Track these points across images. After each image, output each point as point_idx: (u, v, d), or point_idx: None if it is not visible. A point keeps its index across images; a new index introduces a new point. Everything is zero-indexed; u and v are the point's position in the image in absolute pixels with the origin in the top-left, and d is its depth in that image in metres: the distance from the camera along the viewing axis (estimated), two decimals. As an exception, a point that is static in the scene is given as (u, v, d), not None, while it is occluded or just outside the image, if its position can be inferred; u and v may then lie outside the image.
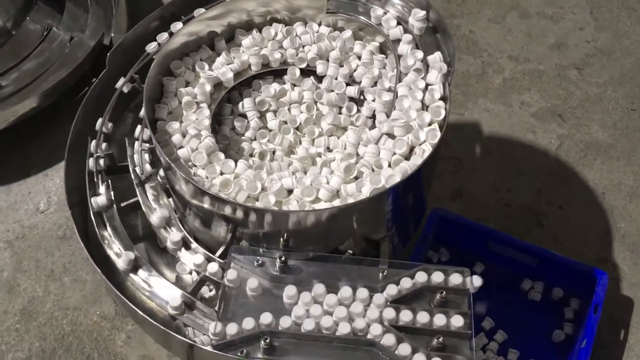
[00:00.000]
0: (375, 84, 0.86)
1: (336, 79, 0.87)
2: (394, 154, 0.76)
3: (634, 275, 1.06)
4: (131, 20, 1.31)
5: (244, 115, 0.86)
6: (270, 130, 0.85)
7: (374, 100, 0.85)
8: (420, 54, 0.82)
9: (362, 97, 0.87)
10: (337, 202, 0.72)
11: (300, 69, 0.87)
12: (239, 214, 0.67)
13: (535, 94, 1.30)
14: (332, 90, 0.87)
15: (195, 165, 0.73)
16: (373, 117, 0.85)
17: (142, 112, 0.82)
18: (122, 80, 0.84)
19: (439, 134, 0.75)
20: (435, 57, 0.82)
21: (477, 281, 0.67)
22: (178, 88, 0.81)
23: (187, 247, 0.73)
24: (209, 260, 0.72)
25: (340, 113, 0.87)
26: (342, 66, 0.87)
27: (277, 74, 0.89)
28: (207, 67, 0.84)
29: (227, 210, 0.67)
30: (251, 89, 0.88)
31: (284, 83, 0.88)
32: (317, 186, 0.72)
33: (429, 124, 0.77)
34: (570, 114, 1.27)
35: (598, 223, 1.12)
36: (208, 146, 0.74)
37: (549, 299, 1.01)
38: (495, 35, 1.40)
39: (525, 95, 1.30)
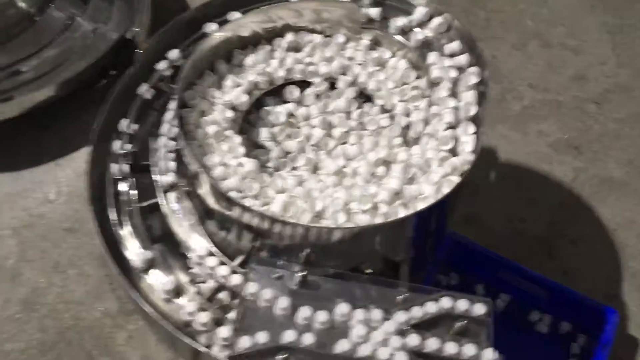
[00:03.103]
0: (379, 88, 0.86)
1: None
2: (440, 151, 0.77)
3: (641, 316, 1.05)
4: (154, 15, 1.30)
5: (258, 145, 0.85)
6: (288, 153, 0.84)
7: (383, 105, 0.86)
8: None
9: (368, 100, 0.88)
10: (398, 203, 0.72)
11: (294, 83, 0.87)
12: (269, 227, 0.66)
13: (553, 124, 1.30)
14: (345, 96, 0.87)
15: (247, 196, 0.72)
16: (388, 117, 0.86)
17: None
18: (145, 86, 0.84)
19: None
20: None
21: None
22: (196, 119, 0.79)
23: (207, 253, 0.72)
24: (227, 268, 0.71)
25: (349, 118, 0.87)
26: (344, 74, 0.87)
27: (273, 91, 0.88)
28: (218, 93, 0.82)
29: (259, 224, 0.67)
30: (260, 117, 0.86)
31: (282, 102, 0.88)
32: (371, 193, 0.72)
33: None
34: (587, 147, 1.26)
35: (608, 260, 1.11)
36: (255, 170, 0.73)
37: (556, 332, 1.00)
38: (517, 62, 1.40)
39: (543, 124, 1.29)
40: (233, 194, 0.70)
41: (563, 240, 1.13)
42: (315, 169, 0.81)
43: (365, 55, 0.88)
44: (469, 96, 0.80)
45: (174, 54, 0.86)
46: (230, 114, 0.80)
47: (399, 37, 0.87)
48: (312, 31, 0.90)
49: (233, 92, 0.82)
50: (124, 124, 0.82)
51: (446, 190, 0.72)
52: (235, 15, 0.88)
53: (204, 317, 0.67)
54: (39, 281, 1.03)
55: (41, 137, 1.19)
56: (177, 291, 0.70)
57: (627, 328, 1.04)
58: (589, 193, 1.20)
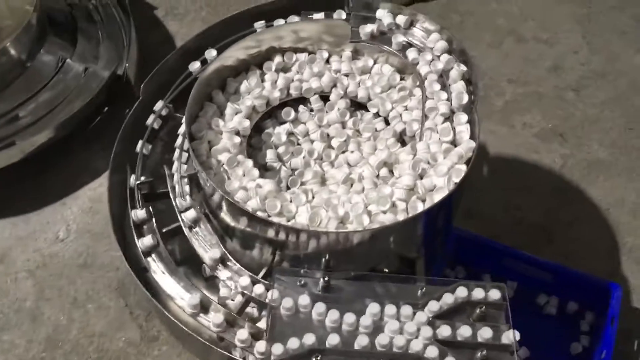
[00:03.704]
0: (369, 97, 0.91)
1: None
2: (442, 143, 0.82)
3: (642, 288, 1.10)
4: (141, 51, 1.33)
5: (265, 166, 0.88)
6: (294, 170, 0.87)
7: (377, 112, 0.91)
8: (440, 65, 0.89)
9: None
10: (414, 198, 0.77)
11: (287, 102, 0.91)
12: (300, 239, 0.70)
13: (536, 115, 1.35)
14: (336, 108, 0.91)
15: (271, 214, 0.76)
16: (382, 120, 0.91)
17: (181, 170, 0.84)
18: (151, 118, 0.88)
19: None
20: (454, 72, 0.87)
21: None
22: (207, 149, 0.83)
23: (231, 269, 0.76)
24: (253, 282, 0.74)
25: (344, 127, 0.91)
26: (335, 86, 0.92)
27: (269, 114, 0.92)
28: (221, 122, 0.86)
29: (281, 236, 0.70)
30: (262, 141, 0.90)
31: (279, 124, 0.91)
32: (387, 193, 0.76)
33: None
34: (571, 133, 1.32)
35: (605, 238, 1.16)
36: (275, 189, 0.77)
37: (564, 313, 1.04)
38: (494, 59, 1.45)
39: (527, 116, 1.34)
40: (260, 214, 0.73)
41: (560, 224, 1.18)
42: (323, 180, 0.85)
43: (350, 66, 0.92)
44: (459, 87, 0.85)
45: (158, 105, 0.90)
46: (237, 139, 0.83)
47: (385, 46, 0.91)
48: (297, 50, 0.94)
49: (235, 118, 0.86)
50: (139, 155, 0.85)
51: (456, 179, 0.76)
52: (212, 52, 0.92)
53: (243, 334, 0.70)
54: (60, 318, 1.05)
55: (44, 179, 1.22)
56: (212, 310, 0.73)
57: (631, 301, 1.08)
58: (579, 177, 1.25)
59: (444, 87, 0.86)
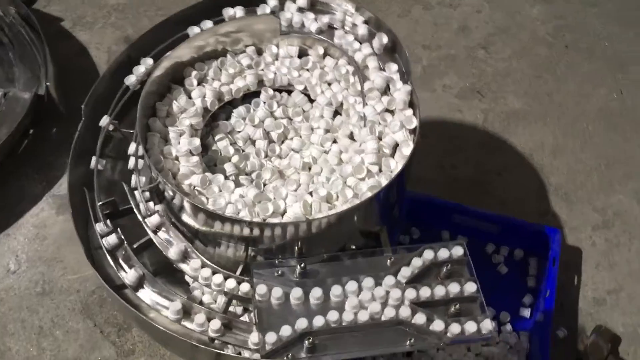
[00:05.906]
0: (288, 79, 0.93)
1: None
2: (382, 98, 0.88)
3: (572, 220, 1.20)
4: (58, 66, 1.30)
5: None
6: (249, 173, 0.88)
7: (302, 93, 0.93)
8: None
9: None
10: (384, 159, 0.82)
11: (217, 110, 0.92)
12: (268, 230, 0.74)
13: (453, 76, 1.43)
14: (260, 105, 0.93)
15: (264, 219, 0.78)
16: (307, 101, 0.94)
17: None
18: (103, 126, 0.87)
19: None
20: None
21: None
22: (171, 178, 0.83)
23: (210, 272, 0.78)
24: (232, 280, 0.77)
25: (276, 119, 0.93)
26: (261, 81, 0.93)
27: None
28: (172, 149, 0.85)
29: (277, 232, 0.73)
30: (212, 159, 0.90)
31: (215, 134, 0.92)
32: (358, 162, 0.80)
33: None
34: (487, 89, 1.41)
35: (532, 181, 1.26)
36: (259, 193, 0.79)
37: (512, 259, 1.13)
38: (406, 28, 1.52)
39: (445, 79, 1.42)
40: (257, 220, 0.76)
41: (491, 175, 1.26)
42: (281, 174, 0.87)
43: (259, 59, 0.94)
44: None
45: (104, 121, 0.89)
46: (195, 159, 0.83)
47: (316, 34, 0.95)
48: (202, 59, 0.93)
49: (182, 141, 0.85)
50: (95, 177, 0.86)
51: (410, 126, 0.82)
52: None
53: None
54: (29, 350, 1.04)
55: (-19, 213, 1.18)
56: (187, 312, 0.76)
57: (565, 234, 1.18)
58: (500, 128, 1.34)
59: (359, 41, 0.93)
